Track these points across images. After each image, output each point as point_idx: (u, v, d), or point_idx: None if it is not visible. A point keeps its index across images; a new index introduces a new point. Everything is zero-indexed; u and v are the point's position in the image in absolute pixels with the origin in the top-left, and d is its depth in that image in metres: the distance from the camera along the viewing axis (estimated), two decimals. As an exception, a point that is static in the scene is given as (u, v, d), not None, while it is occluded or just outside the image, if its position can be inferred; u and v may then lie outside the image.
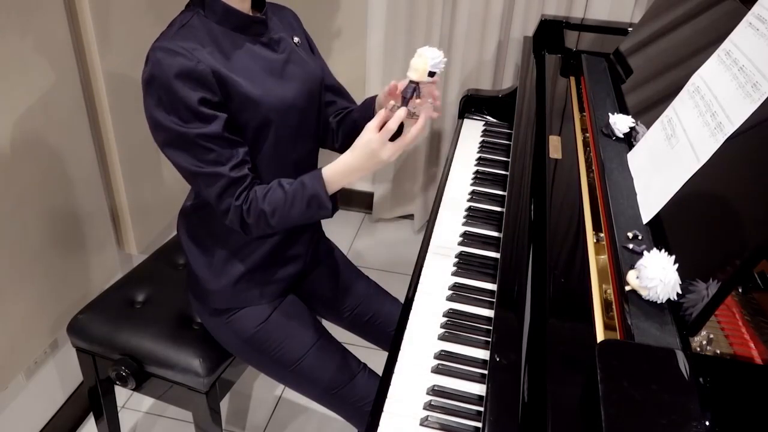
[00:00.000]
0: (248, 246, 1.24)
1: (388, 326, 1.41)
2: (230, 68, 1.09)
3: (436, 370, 1.03)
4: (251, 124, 1.13)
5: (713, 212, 0.90)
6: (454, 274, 1.23)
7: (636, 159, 1.15)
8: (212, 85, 1.06)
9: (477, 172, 1.55)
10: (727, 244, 0.83)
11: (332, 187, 1.12)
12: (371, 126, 1.08)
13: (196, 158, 1.08)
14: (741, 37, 1.02)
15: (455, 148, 1.66)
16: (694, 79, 1.07)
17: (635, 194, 1.08)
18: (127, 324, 1.39)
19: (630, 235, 0.98)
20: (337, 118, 1.35)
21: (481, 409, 0.95)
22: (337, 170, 1.12)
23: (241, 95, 1.09)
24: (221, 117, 1.08)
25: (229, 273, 1.25)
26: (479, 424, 0.94)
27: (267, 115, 1.13)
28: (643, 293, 0.87)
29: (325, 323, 1.42)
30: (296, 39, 1.23)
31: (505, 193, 1.33)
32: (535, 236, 1.10)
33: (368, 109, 1.28)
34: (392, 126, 1.07)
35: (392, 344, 1.08)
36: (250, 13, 1.15)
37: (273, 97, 1.13)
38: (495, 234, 1.33)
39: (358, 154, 1.10)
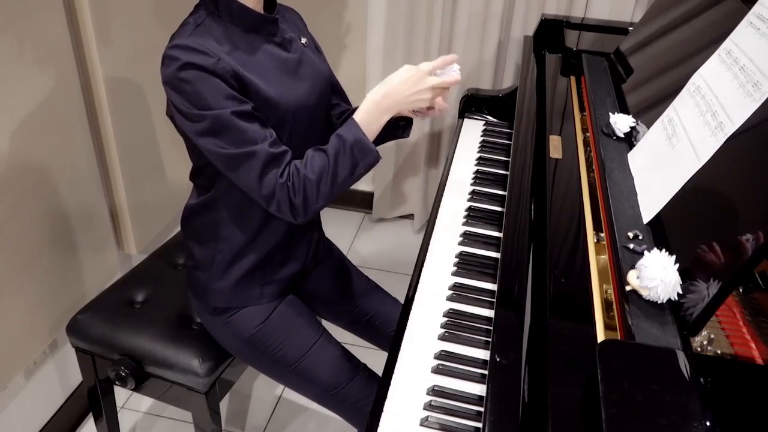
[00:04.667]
0: (250, 245, 1.24)
1: (388, 326, 1.41)
2: (248, 68, 1.08)
3: (436, 371, 1.03)
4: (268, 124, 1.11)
5: (714, 212, 0.90)
6: (454, 274, 1.22)
7: (636, 159, 1.15)
8: (232, 82, 1.05)
9: (477, 171, 1.55)
10: (727, 243, 0.83)
11: (370, 126, 1.10)
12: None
13: (232, 140, 1.05)
14: (742, 36, 1.02)
15: (455, 148, 1.66)
16: (695, 78, 1.07)
17: (636, 194, 1.07)
18: (126, 324, 1.39)
19: (630, 234, 0.98)
20: (340, 120, 1.35)
21: (482, 409, 0.95)
22: (373, 103, 1.10)
23: (260, 95, 1.09)
24: (249, 102, 1.07)
25: (231, 272, 1.25)
26: (479, 425, 0.93)
27: (284, 116, 1.13)
28: (644, 293, 0.87)
29: (325, 323, 1.42)
30: (303, 40, 1.23)
31: (505, 193, 1.33)
32: (536, 236, 1.10)
33: None
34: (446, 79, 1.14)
35: (392, 344, 1.08)
36: (263, 13, 1.15)
37: (289, 97, 1.13)
38: (495, 234, 1.33)
39: (400, 80, 1.10)
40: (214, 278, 1.26)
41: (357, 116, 1.10)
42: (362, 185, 2.63)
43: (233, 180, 1.10)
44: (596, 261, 1.00)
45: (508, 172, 1.39)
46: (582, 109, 1.46)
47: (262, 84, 1.09)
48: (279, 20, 1.17)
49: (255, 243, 1.24)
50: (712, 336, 0.87)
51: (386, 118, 1.12)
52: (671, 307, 0.86)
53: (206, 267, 1.26)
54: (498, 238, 1.29)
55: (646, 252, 0.91)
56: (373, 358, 1.40)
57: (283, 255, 1.29)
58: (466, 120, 1.81)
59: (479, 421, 0.94)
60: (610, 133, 1.25)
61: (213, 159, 1.09)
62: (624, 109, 1.32)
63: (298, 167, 1.08)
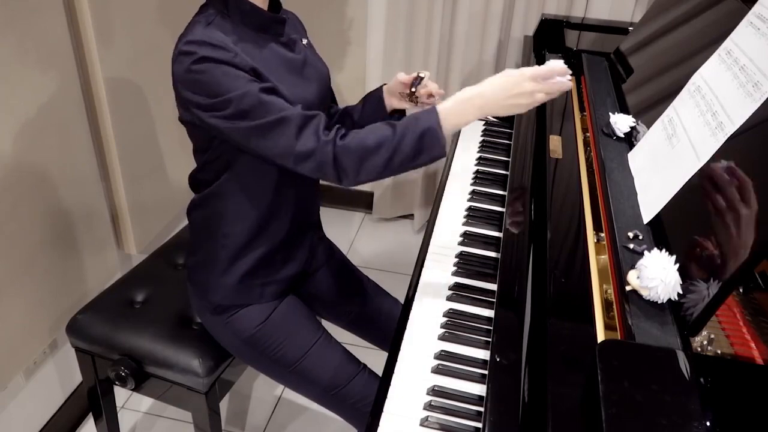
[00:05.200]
0: (251, 243, 1.24)
1: (388, 326, 1.41)
2: (261, 67, 1.08)
3: (436, 371, 1.03)
4: None
5: (714, 212, 0.90)
6: (454, 274, 1.22)
7: (636, 159, 1.15)
8: (251, 75, 1.05)
9: (477, 171, 1.55)
10: (727, 243, 0.83)
11: (451, 119, 1.03)
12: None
13: (261, 113, 1.02)
14: (742, 36, 1.02)
15: (455, 148, 1.66)
16: (695, 78, 1.07)
17: (636, 194, 1.07)
18: (126, 324, 1.39)
19: (630, 234, 0.98)
20: (332, 121, 1.34)
21: (482, 409, 0.95)
22: (462, 98, 1.03)
23: None
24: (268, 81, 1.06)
25: (232, 270, 1.25)
26: (479, 425, 0.93)
27: None
28: (644, 293, 0.87)
29: (325, 323, 1.42)
30: (305, 41, 1.24)
31: (505, 193, 1.33)
32: (535, 236, 1.10)
33: (379, 105, 1.27)
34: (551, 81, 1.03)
35: (392, 344, 1.08)
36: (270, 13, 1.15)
37: (298, 98, 1.12)
38: (495, 234, 1.33)
39: (498, 81, 1.02)
40: (215, 275, 1.26)
41: (441, 106, 1.03)
42: (362, 185, 2.62)
43: (262, 151, 1.05)
44: (596, 261, 1.00)
45: (508, 172, 1.39)
46: (582, 109, 1.46)
47: (275, 83, 1.09)
48: (285, 20, 1.17)
49: (256, 242, 1.24)
50: (712, 336, 0.87)
51: (472, 117, 1.04)
52: (671, 307, 0.86)
53: (208, 264, 1.26)
54: (498, 238, 1.29)
55: (646, 252, 0.91)
56: (373, 358, 1.40)
57: (284, 255, 1.29)
58: (466, 120, 1.81)
59: (479, 421, 0.94)
60: (610, 133, 1.25)
61: (240, 137, 1.05)
62: (624, 109, 1.32)
63: (357, 130, 1.05)
